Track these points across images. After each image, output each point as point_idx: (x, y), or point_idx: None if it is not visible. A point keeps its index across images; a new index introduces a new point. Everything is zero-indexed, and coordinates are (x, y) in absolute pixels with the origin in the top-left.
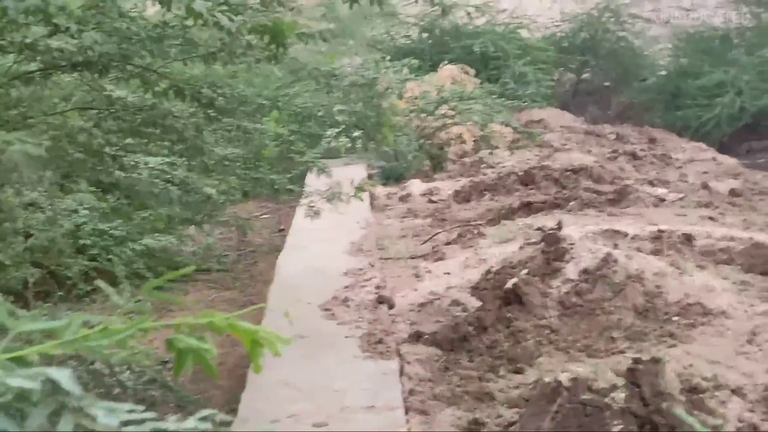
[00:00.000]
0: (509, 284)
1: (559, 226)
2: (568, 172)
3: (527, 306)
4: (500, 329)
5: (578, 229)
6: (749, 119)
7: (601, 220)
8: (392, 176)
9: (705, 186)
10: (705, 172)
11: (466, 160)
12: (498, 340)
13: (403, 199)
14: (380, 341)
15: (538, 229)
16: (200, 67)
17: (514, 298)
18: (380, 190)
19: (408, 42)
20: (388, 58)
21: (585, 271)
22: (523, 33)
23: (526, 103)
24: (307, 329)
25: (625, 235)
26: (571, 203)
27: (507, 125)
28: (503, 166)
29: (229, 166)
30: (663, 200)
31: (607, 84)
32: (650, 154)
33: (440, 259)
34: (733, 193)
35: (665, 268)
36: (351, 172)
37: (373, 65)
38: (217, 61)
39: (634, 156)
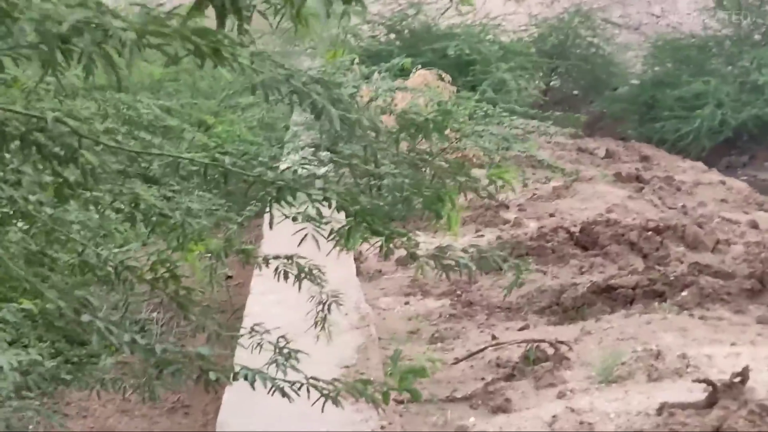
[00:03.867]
0: None
1: (744, 377)
2: (648, 232)
3: None
4: None
5: (731, 357)
6: (730, 133)
7: (756, 335)
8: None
9: (754, 225)
10: (723, 200)
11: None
12: None
13: (402, 262)
14: None
15: (704, 380)
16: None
17: None
18: (368, 248)
19: (375, 43)
20: (356, 60)
21: None
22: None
23: (550, 127)
24: None
25: None
26: (683, 293)
27: (531, 156)
28: (519, 207)
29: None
30: None
31: (576, 92)
32: (654, 177)
33: (501, 409)
34: None
35: None
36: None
37: (347, 69)
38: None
39: (638, 179)
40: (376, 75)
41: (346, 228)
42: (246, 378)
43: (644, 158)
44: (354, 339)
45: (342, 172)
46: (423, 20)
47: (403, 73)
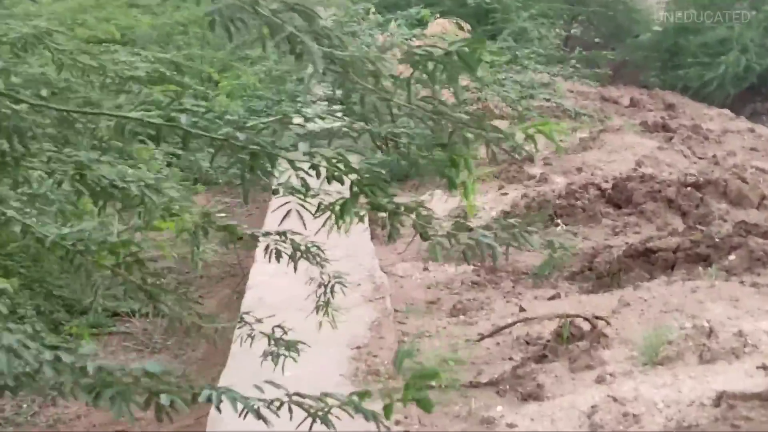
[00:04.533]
0: None
1: None
2: (687, 188)
3: None
4: None
5: None
6: (754, 79)
7: None
8: (394, 177)
9: None
10: (752, 149)
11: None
12: None
13: None
14: None
15: None
16: None
17: None
18: None
19: None
20: (372, 9)
21: None
22: None
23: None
24: None
25: None
26: (730, 257)
27: (556, 105)
28: (544, 160)
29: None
30: None
31: (597, 40)
32: (681, 125)
33: (532, 396)
34: None
35: None
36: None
37: (362, 18)
38: None
39: (665, 128)
40: (393, 24)
41: (340, 202)
42: (209, 399)
43: (669, 106)
44: (367, 313)
45: (358, 127)
46: None
47: (421, 22)
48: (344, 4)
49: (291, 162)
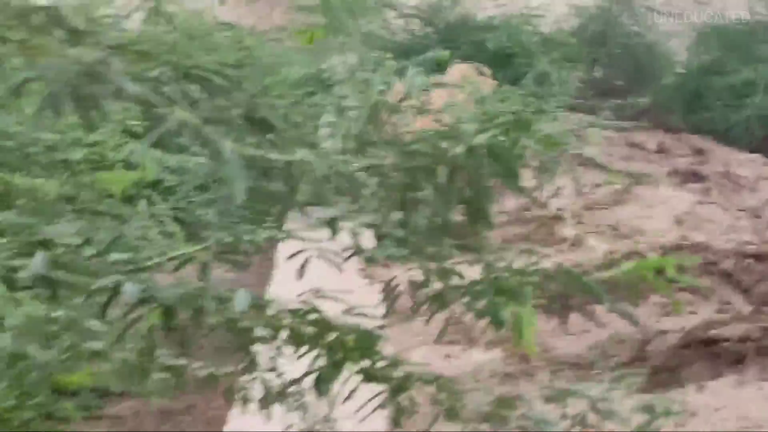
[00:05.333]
0: None
1: None
2: (748, 260)
3: None
4: None
5: None
6: None
7: None
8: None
9: None
10: None
11: (528, 213)
12: None
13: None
14: None
15: None
16: None
17: None
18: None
19: (409, 38)
20: (389, 56)
21: None
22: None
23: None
24: None
25: None
26: None
27: (585, 156)
28: (575, 216)
29: None
30: None
31: (619, 83)
32: (712, 172)
33: None
34: None
35: None
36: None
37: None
38: None
39: (695, 176)
40: (411, 70)
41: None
42: None
43: (698, 152)
44: (373, 425)
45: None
46: (460, 12)
47: (440, 67)
48: (360, 50)
49: (230, 322)
